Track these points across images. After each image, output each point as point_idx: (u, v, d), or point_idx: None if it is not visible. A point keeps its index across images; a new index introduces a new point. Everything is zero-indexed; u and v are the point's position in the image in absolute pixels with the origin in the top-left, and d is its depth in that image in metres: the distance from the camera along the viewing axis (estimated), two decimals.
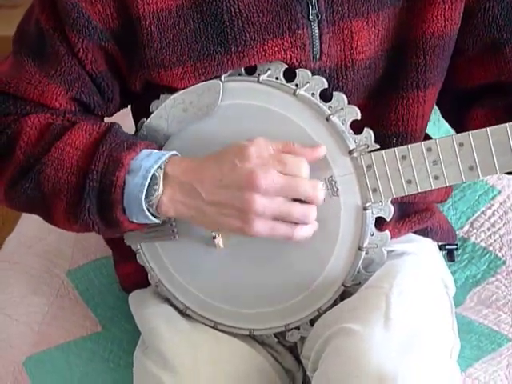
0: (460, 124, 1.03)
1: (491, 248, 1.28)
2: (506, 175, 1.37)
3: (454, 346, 0.95)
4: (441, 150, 0.87)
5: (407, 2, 0.92)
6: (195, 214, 0.88)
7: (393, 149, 0.88)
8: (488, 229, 1.31)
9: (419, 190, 0.89)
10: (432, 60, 0.94)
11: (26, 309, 1.20)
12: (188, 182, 0.87)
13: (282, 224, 0.87)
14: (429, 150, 0.87)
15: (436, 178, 0.88)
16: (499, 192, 1.35)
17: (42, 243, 1.31)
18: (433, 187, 0.88)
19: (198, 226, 0.91)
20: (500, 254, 1.27)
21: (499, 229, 1.30)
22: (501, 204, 1.34)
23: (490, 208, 1.33)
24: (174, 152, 0.91)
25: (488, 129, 0.85)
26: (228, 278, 0.97)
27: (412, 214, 1.05)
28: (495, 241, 1.29)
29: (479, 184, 1.36)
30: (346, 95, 0.90)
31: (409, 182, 0.88)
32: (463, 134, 0.86)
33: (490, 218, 1.32)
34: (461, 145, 0.86)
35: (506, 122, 0.86)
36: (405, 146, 0.88)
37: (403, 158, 0.88)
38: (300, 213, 0.86)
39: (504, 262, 1.26)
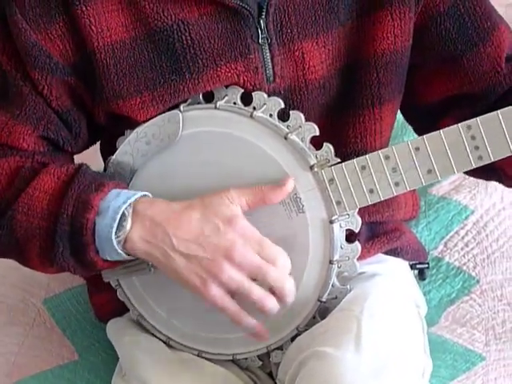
0: None
1: (465, 267, 1.29)
2: (480, 196, 1.40)
3: (426, 367, 0.97)
4: (398, 157, 0.88)
5: (356, 21, 0.95)
6: (160, 257, 0.89)
7: (352, 160, 0.90)
8: (462, 248, 1.32)
9: (382, 199, 0.90)
10: (385, 77, 0.96)
11: (2, 339, 1.20)
12: (161, 225, 0.88)
13: (233, 303, 0.88)
14: (387, 157, 0.89)
15: (397, 184, 0.89)
16: (472, 212, 1.37)
17: (17, 273, 1.30)
18: (395, 194, 0.90)
19: (158, 268, 0.91)
20: (474, 274, 1.28)
21: (472, 248, 1.32)
22: (474, 224, 1.35)
23: (463, 228, 1.35)
24: (145, 192, 0.92)
25: (441, 131, 0.87)
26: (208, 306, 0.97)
27: (381, 234, 1.06)
28: (469, 260, 1.30)
29: (453, 204, 1.38)
30: (304, 115, 0.92)
31: (371, 191, 0.90)
32: (418, 138, 0.88)
33: (463, 237, 1.33)
34: (417, 149, 0.88)
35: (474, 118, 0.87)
36: (364, 157, 0.90)
37: (363, 168, 0.90)
38: (258, 296, 0.87)
39: (478, 281, 1.27)
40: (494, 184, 1.31)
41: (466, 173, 0.99)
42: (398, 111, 1.06)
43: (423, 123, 1.06)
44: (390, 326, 0.92)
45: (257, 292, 0.87)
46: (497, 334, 1.18)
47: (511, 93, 0.98)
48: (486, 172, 0.99)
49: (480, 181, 1.41)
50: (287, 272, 0.88)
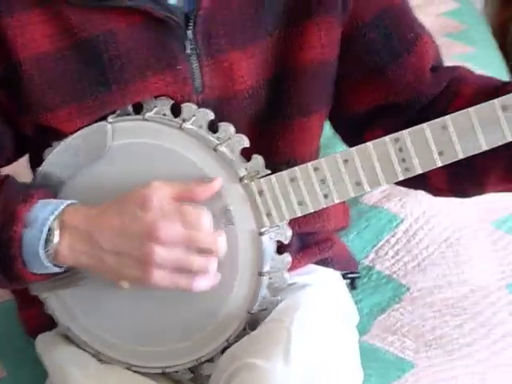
0: None
1: (395, 275, 1.30)
2: (409, 204, 1.42)
3: (357, 377, 0.96)
4: (327, 169, 0.89)
5: (284, 31, 0.95)
6: (94, 262, 0.88)
7: (282, 172, 0.90)
8: (392, 257, 1.34)
9: (311, 210, 0.91)
10: (313, 86, 0.97)
11: None
12: (87, 231, 0.87)
13: (181, 276, 0.87)
14: (316, 169, 0.89)
15: (326, 196, 0.90)
16: (402, 220, 1.39)
17: None
18: (323, 206, 0.90)
19: (97, 275, 0.91)
20: (404, 282, 1.29)
21: (403, 256, 1.33)
22: (404, 232, 1.37)
23: (393, 236, 1.37)
24: (72, 201, 0.91)
25: (370, 143, 0.88)
26: (136, 317, 0.96)
27: (312, 244, 1.07)
28: (399, 268, 1.32)
29: (383, 213, 1.40)
30: (233, 125, 0.92)
31: (300, 203, 0.90)
32: (347, 150, 0.89)
33: (393, 245, 1.35)
34: (346, 161, 0.88)
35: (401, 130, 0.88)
36: (293, 168, 0.90)
37: (292, 180, 0.90)
38: (199, 265, 0.87)
39: (408, 289, 1.28)
40: (423, 192, 1.33)
41: (396, 183, 1.00)
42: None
43: (350, 133, 1.07)
44: (321, 337, 0.92)
45: (196, 262, 0.87)
46: (427, 341, 1.19)
47: (436, 102, 1.00)
48: (415, 182, 1.00)
49: (410, 189, 1.43)
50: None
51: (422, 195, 1.41)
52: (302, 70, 0.96)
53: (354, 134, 1.06)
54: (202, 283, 0.88)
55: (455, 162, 0.87)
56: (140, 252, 0.85)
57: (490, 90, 0.96)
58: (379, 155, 0.88)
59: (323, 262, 1.09)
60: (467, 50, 2.03)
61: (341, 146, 1.47)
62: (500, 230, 1.40)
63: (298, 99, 0.97)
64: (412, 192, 1.42)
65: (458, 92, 0.99)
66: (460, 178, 0.97)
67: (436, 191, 1.04)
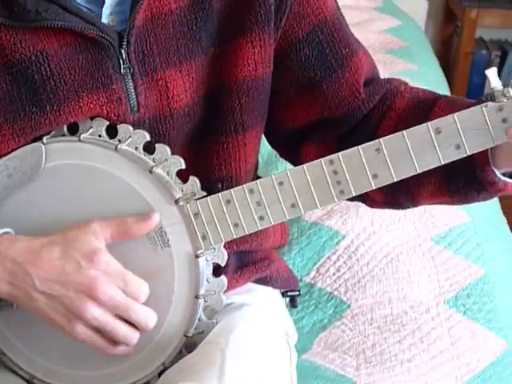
0: (297, 162, 1.05)
1: (337, 292, 1.31)
2: (351, 220, 1.43)
3: None
4: (263, 191, 0.89)
5: (218, 48, 0.95)
6: (23, 297, 0.87)
7: (217, 194, 0.90)
8: (333, 274, 1.34)
9: (247, 232, 0.91)
10: (247, 104, 0.97)
11: None
12: (23, 265, 0.86)
13: (102, 339, 0.88)
14: (251, 191, 0.89)
15: (261, 218, 0.90)
16: (343, 237, 1.40)
17: None
18: (259, 228, 0.90)
19: (23, 308, 0.89)
20: (345, 298, 1.30)
21: (344, 273, 1.34)
22: (345, 249, 1.38)
23: (334, 253, 1.37)
24: (7, 229, 0.89)
25: (305, 166, 0.88)
26: (71, 341, 0.95)
27: (250, 263, 1.06)
28: (340, 285, 1.32)
29: (324, 230, 1.41)
30: (169, 144, 0.91)
31: (236, 225, 0.90)
32: (282, 172, 0.89)
33: (335, 262, 1.36)
34: (281, 184, 0.88)
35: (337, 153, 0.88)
36: (228, 191, 0.90)
37: (228, 202, 0.90)
38: (125, 335, 0.88)
39: (349, 306, 1.29)
40: (364, 208, 1.34)
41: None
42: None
43: (286, 147, 1.08)
44: (256, 358, 0.92)
45: (122, 331, 0.87)
46: (367, 357, 1.20)
47: (370, 115, 1.00)
48: None
49: (351, 205, 1.44)
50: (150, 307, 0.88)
51: (363, 211, 1.43)
52: (236, 87, 0.95)
53: (289, 148, 1.06)
54: (121, 351, 0.90)
55: None
56: (73, 303, 0.85)
57: (424, 103, 0.97)
58: (314, 177, 0.88)
59: (262, 281, 1.09)
60: (408, 67, 2.06)
61: (282, 164, 1.48)
62: (439, 245, 1.42)
63: (233, 116, 0.97)
64: (353, 208, 1.44)
65: (392, 105, 1.00)
66: (395, 191, 0.98)
67: (372, 203, 1.05)
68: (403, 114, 0.98)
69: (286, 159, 1.13)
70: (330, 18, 0.98)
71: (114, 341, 0.89)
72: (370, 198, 1.02)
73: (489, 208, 1.57)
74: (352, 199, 1.10)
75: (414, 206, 1.02)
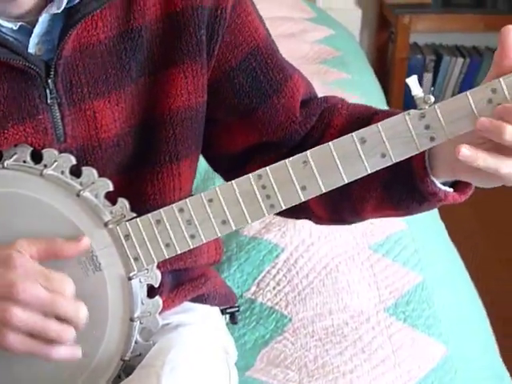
0: None
1: (277, 307, 1.31)
2: (289, 233, 1.43)
3: None
4: (192, 209, 0.88)
5: (149, 78, 0.94)
6: None
7: (147, 215, 0.89)
8: (274, 288, 1.34)
9: (178, 252, 0.90)
10: (181, 133, 0.96)
11: None
12: None
13: (38, 342, 0.84)
14: (181, 210, 0.88)
15: (192, 236, 0.89)
16: (283, 250, 1.40)
17: None
18: (191, 246, 0.90)
19: None
20: (286, 312, 1.30)
21: (284, 287, 1.34)
22: (284, 262, 1.38)
23: (274, 267, 1.37)
24: None
25: (233, 181, 0.88)
26: (4, 370, 0.93)
27: (186, 281, 1.05)
28: (281, 299, 1.32)
29: (263, 244, 1.41)
30: (98, 173, 0.90)
31: (167, 245, 0.89)
32: (211, 189, 0.88)
33: (274, 276, 1.36)
34: (210, 201, 0.88)
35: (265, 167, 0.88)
36: (158, 211, 0.89)
37: (158, 222, 0.89)
38: (56, 332, 0.84)
39: (290, 320, 1.29)
40: (302, 220, 1.34)
41: (277, 214, 1.00)
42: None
43: (230, 172, 1.07)
44: (193, 379, 0.91)
45: (54, 328, 0.84)
46: (309, 371, 1.20)
47: (309, 135, 1.01)
48: (297, 213, 1.00)
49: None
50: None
51: (300, 223, 1.43)
52: (169, 117, 0.95)
53: (232, 172, 1.06)
54: (62, 351, 0.86)
55: (334, 192, 0.88)
56: None
57: (361, 118, 0.98)
58: (243, 193, 0.88)
59: (199, 299, 1.08)
60: (342, 76, 2.08)
61: (219, 179, 1.48)
62: (378, 254, 1.43)
63: (167, 146, 0.96)
64: (291, 221, 1.44)
65: (330, 123, 1.00)
66: (338, 208, 0.99)
67: (318, 220, 1.05)
68: (342, 130, 0.98)
69: (228, 181, 1.13)
70: (263, 44, 0.99)
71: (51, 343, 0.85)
72: (315, 216, 1.02)
73: (426, 214, 1.58)
74: (298, 218, 1.11)
75: (361, 220, 1.03)
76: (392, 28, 3.43)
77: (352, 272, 1.37)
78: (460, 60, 3.56)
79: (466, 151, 0.79)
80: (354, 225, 1.45)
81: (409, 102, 3.26)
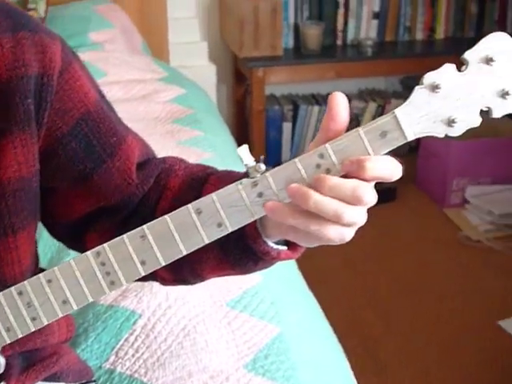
0: (84, 251, 1.05)
1: (137, 374, 1.29)
2: (146, 298, 1.43)
3: None
4: (32, 291, 0.88)
5: None
6: None
7: None
8: (133, 355, 1.33)
9: (20, 336, 0.89)
10: (15, 205, 0.95)
11: None
12: None
13: None
14: (20, 293, 0.88)
15: (33, 319, 0.88)
16: (140, 316, 1.39)
17: None
18: (33, 329, 0.89)
19: None
20: (146, 379, 1.28)
21: (143, 353, 1.33)
22: (142, 328, 1.38)
23: (132, 334, 1.36)
24: None
25: (72, 260, 0.88)
26: None
27: (37, 362, 1.04)
28: (140, 366, 1.31)
29: (120, 311, 1.40)
30: None
31: (8, 329, 0.88)
32: (50, 270, 0.88)
33: (133, 344, 1.35)
34: (49, 281, 0.88)
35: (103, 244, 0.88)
36: None
37: None
38: None
39: None
40: (158, 284, 1.34)
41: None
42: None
43: (71, 239, 1.07)
44: None
45: None
46: None
47: (146, 198, 1.02)
48: (142, 277, 1.01)
49: (146, 283, 1.44)
50: None
51: (157, 287, 1.43)
52: (1, 189, 0.93)
53: (73, 239, 1.05)
54: None
55: None
56: None
57: (197, 180, 1.00)
58: (83, 271, 0.88)
59: (53, 378, 1.06)
60: (196, 134, 2.11)
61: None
62: (235, 310, 1.45)
63: (1, 219, 0.94)
64: (147, 285, 1.44)
65: (167, 185, 1.02)
66: (179, 269, 1.00)
67: (163, 281, 1.06)
68: (178, 192, 1.00)
69: (73, 249, 1.12)
70: (94, 109, 0.99)
71: None
72: (160, 277, 1.03)
73: (281, 263, 1.62)
74: (143, 279, 1.11)
75: (202, 280, 1.05)
76: (248, 81, 3.52)
77: (210, 331, 1.38)
78: (316, 108, 3.69)
79: (269, 204, 0.83)
80: (211, 283, 1.47)
81: (271, 154, 3.37)
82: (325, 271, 2.83)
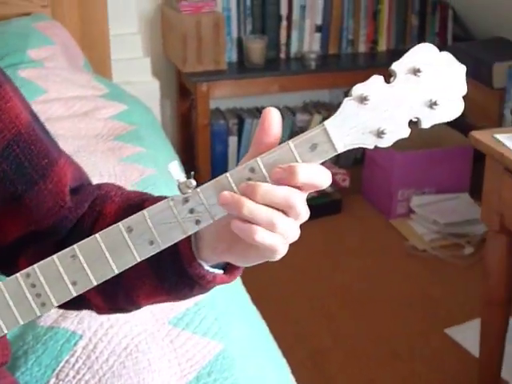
0: None
1: None
2: (87, 318, 1.40)
3: None
4: None
5: None
6: None
7: None
8: (74, 377, 1.30)
9: None
10: None
11: None
12: None
13: None
14: None
15: None
16: (81, 336, 1.37)
17: None
18: None
19: None
20: None
21: (84, 375, 1.31)
22: (83, 349, 1.35)
23: (73, 355, 1.34)
24: None
25: (1, 282, 0.86)
26: None
27: None
28: None
29: (61, 332, 1.37)
30: None
31: None
32: None
33: (74, 365, 1.32)
34: None
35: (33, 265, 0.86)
36: None
37: None
38: None
39: None
40: None
41: (60, 306, 0.98)
42: None
43: (3, 266, 1.04)
44: None
45: None
46: None
47: (81, 223, 1.01)
48: (76, 305, 0.99)
49: None
50: None
51: None
52: None
53: (5, 265, 1.03)
54: None
55: (106, 282, 0.87)
56: None
57: (133, 206, 0.99)
58: (12, 293, 0.86)
59: None
60: (137, 151, 2.09)
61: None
62: (177, 328, 1.43)
63: None
64: None
65: (102, 211, 1.01)
66: (113, 297, 0.99)
67: (98, 310, 1.05)
68: (114, 218, 0.99)
69: (6, 275, 1.10)
70: (25, 130, 0.98)
71: None
72: (94, 306, 1.02)
73: None
74: (79, 309, 1.09)
75: (138, 308, 1.03)
76: (193, 96, 3.51)
77: (152, 350, 1.36)
78: None
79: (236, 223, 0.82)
80: None
81: (217, 168, 3.35)
82: (270, 284, 2.83)
